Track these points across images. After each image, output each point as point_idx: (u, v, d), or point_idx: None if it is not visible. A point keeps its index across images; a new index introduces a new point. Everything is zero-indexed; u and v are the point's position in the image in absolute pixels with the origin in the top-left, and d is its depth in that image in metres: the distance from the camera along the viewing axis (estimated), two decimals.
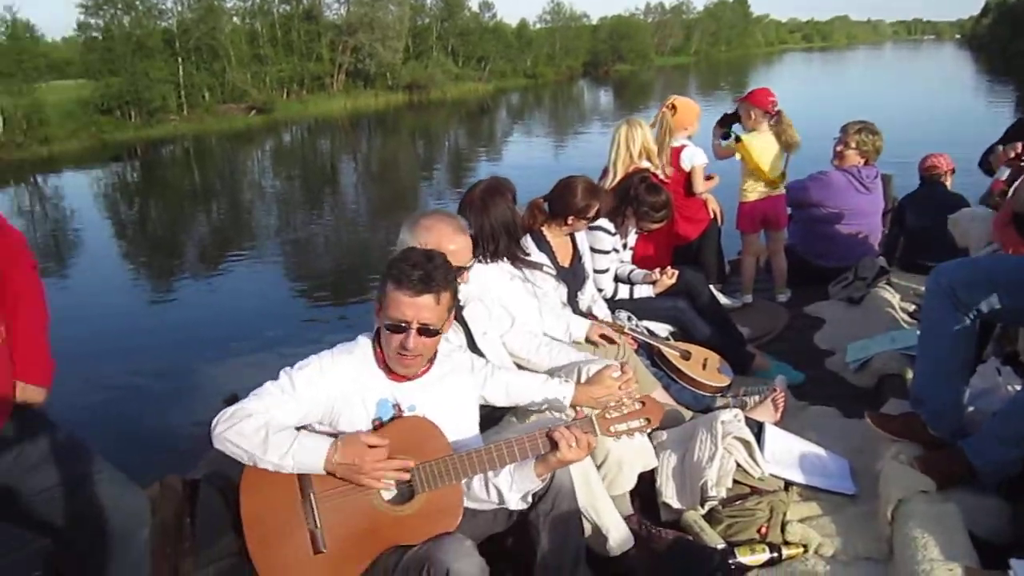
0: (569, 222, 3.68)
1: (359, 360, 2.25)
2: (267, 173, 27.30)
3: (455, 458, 2.16)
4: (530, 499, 2.30)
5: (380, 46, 46.23)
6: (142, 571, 2.26)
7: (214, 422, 2.11)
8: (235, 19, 45.16)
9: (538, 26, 67.90)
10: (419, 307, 2.13)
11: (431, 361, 2.32)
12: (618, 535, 2.60)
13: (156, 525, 2.38)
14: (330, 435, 2.17)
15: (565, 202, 3.64)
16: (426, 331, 2.17)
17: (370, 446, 2.10)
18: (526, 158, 22.95)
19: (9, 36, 34.00)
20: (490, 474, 2.24)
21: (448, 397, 2.34)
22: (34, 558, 2.56)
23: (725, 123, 5.24)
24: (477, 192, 3.27)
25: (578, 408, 2.65)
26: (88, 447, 2.17)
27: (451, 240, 2.63)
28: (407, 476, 2.11)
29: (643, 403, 2.29)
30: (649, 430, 2.38)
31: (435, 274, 2.16)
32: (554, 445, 2.16)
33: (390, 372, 2.25)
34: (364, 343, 2.29)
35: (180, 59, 39.21)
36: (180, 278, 13.51)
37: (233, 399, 3.30)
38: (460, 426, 2.34)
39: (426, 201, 19.13)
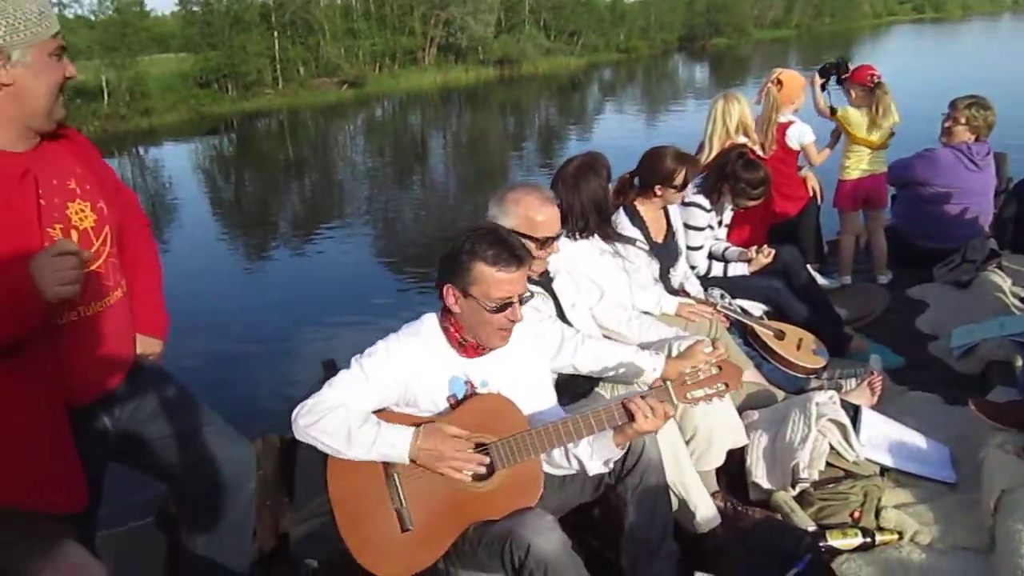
0: (658, 192, 3.60)
1: (427, 339, 2.27)
2: (359, 147, 27.72)
3: (532, 433, 2.17)
4: (611, 464, 2.31)
5: (472, 20, 46.18)
6: (248, 522, 2.36)
7: (295, 414, 2.15)
8: None
9: None
10: (517, 280, 2.18)
11: None
12: (706, 511, 2.60)
13: (258, 479, 2.47)
14: (410, 419, 2.21)
15: (653, 170, 3.58)
16: (523, 300, 2.22)
17: (452, 436, 2.13)
18: (618, 133, 22.55)
19: (115, 10, 35.22)
20: (569, 445, 2.26)
21: (519, 369, 2.35)
22: (150, 504, 2.72)
23: (825, 74, 5.15)
24: (570, 169, 3.24)
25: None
26: (199, 401, 2.27)
27: (538, 211, 2.63)
28: (483, 470, 2.13)
29: (720, 368, 2.25)
30: (727, 395, 2.33)
31: (518, 244, 2.21)
32: (631, 416, 2.15)
33: (461, 348, 2.27)
34: (430, 323, 2.30)
35: (276, 33, 39.79)
36: (275, 248, 13.89)
37: (331, 365, 3.40)
38: (534, 397, 2.35)
39: (515, 177, 19.10)
